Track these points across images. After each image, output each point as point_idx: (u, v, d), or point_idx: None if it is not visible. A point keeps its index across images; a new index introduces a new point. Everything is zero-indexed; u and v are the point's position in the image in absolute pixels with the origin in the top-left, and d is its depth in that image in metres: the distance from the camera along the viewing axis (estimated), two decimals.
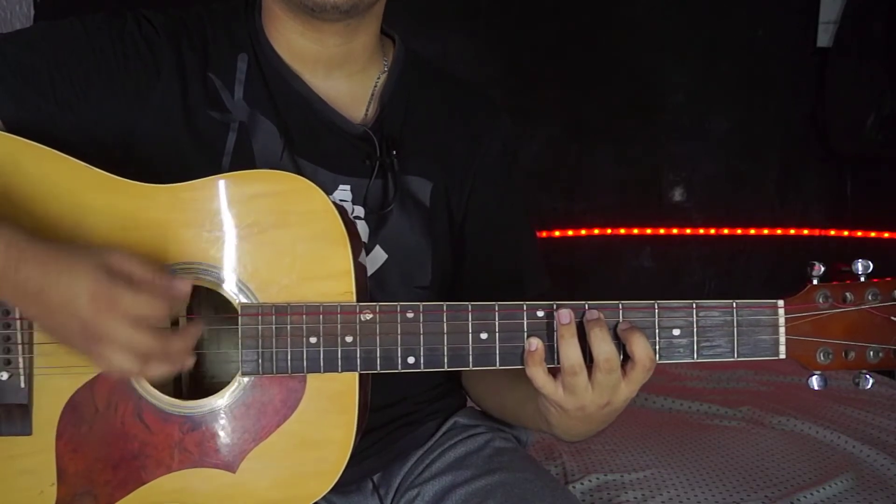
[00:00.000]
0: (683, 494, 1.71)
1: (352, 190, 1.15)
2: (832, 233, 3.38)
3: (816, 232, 3.40)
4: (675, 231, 3.40)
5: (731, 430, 2.08)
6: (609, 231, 3.37)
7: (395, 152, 1.17)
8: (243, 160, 1.11)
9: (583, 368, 0.95)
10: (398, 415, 1.23)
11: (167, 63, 1.11)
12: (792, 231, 3.41)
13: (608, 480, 1.76)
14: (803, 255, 3.50)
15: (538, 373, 0.96)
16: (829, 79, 3.26)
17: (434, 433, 1.26)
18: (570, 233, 3.34)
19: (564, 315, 0.95)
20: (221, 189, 0.99)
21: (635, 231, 3.38)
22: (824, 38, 3.27)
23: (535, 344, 0.96)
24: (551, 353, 0.97)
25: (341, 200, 1.14)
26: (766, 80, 3.35)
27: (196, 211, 0.99)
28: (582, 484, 1.74)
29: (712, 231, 3.41)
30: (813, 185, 3.47)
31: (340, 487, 1.05)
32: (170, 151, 1.09)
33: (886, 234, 3.22)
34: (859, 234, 3.30)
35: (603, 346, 0.94)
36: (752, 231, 3.41)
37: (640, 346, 0.95)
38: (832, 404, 2.25)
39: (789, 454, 1.92)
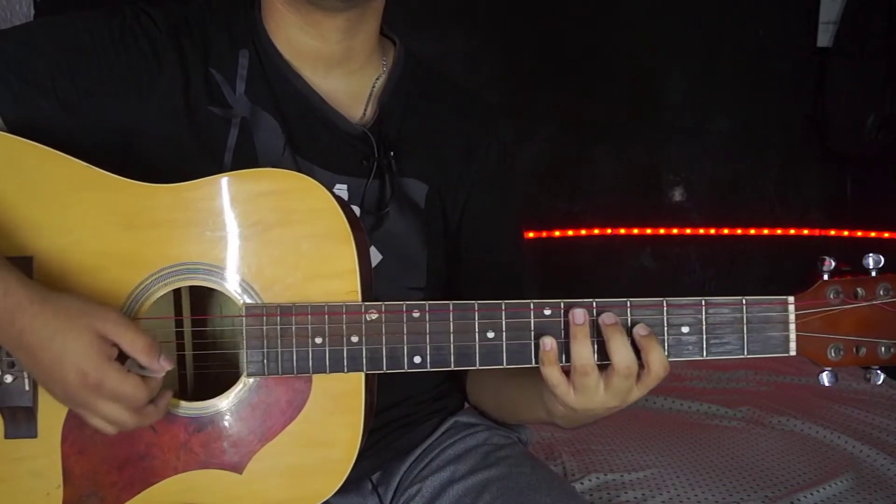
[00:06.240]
0: (683, 494, 1.71)
1: (349, 190, 1.15)
2: (832, 233, 3.37)
3: (816, 232, 3.39)
4: (675, 231, 3.40)
5: (731, 430, 2.08)
6: (609, 231, 3.36)
7: (392, 153, 1.16)
8: (245, 156, 1.10)
9: (594, 369, 0.95)
10: (398, 416, 1.22)
11: (168, 58, 1.10)
12: (792, 231, 3.41)
13: (608, 480, 1.76)
14: (803, 256, 3.52)
15: (553, 372, 0.96)
16: (829, 79, 3.26)
17: (433, 432, 1.26)
18: (570, 233, 3.34)
19: (579, 315, 0.95)
20: (224, 188, 0.99)
21: (635, 231, 3.38)
22: (824, 38, 3.26)
23: (550, 343, 0.95)
24: (559, 352, 0.96)
25: None
26: (766, 80, 3.34)
27: (199, 210, 0.99)
28: (582, 483, 1.74)
29: (712, 231, 3.40)
30: (813, 185, 3.46)
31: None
32: (171, 148, 1.09)
33: (886, 234, 3.22)
34: (859, 234, 3.30)
35: (623, 352, 0.94)
36: (752, 231, 3.41)
37: (656, 356, 0.94)
38: (832, 404, 2.24)
39: (789, 454, 1.92)
